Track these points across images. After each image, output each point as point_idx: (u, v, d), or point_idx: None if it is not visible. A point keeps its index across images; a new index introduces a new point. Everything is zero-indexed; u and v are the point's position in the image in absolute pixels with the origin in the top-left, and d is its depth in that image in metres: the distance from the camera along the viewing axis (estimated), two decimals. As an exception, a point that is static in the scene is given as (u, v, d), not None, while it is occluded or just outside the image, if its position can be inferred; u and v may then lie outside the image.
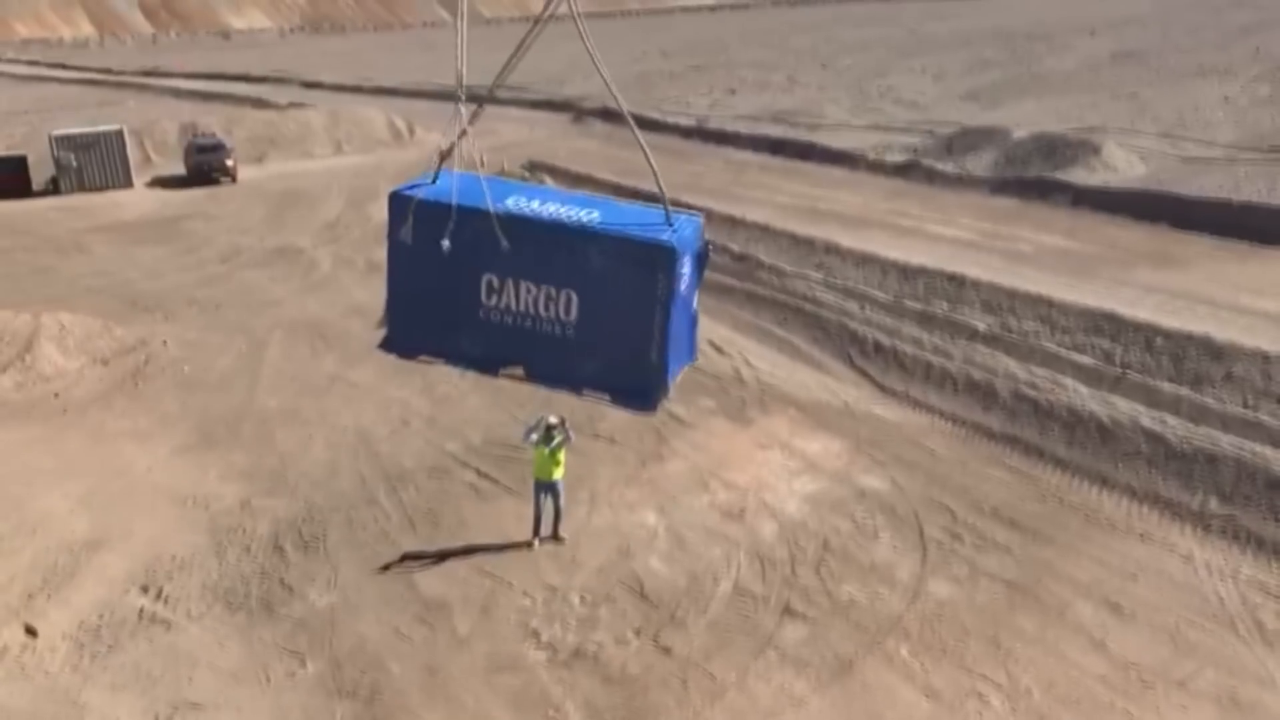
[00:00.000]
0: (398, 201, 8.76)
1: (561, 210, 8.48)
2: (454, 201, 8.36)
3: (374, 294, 29.94)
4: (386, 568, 16.06)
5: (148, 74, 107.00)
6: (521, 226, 8.43)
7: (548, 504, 16.47)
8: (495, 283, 8.52)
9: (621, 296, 8.21)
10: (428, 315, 8.83)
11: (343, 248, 35.50)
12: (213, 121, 56.62)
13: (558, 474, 16.32)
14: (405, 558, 16.30)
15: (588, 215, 8.38)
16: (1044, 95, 53.71)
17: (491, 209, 8.25)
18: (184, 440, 20.60)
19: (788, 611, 14.79)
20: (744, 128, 50.23)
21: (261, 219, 40.62)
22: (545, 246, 8.39)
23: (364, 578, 15.82)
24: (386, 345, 9.60)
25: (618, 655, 13.95)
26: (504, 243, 8.36)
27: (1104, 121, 43.80)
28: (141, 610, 15.18)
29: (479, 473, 18.88)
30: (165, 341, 25.99)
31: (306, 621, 14.86)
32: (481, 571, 15.85)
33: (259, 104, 70.60)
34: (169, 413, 21.94)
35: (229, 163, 48.16)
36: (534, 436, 16.28)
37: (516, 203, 8.48)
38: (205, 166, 47.90)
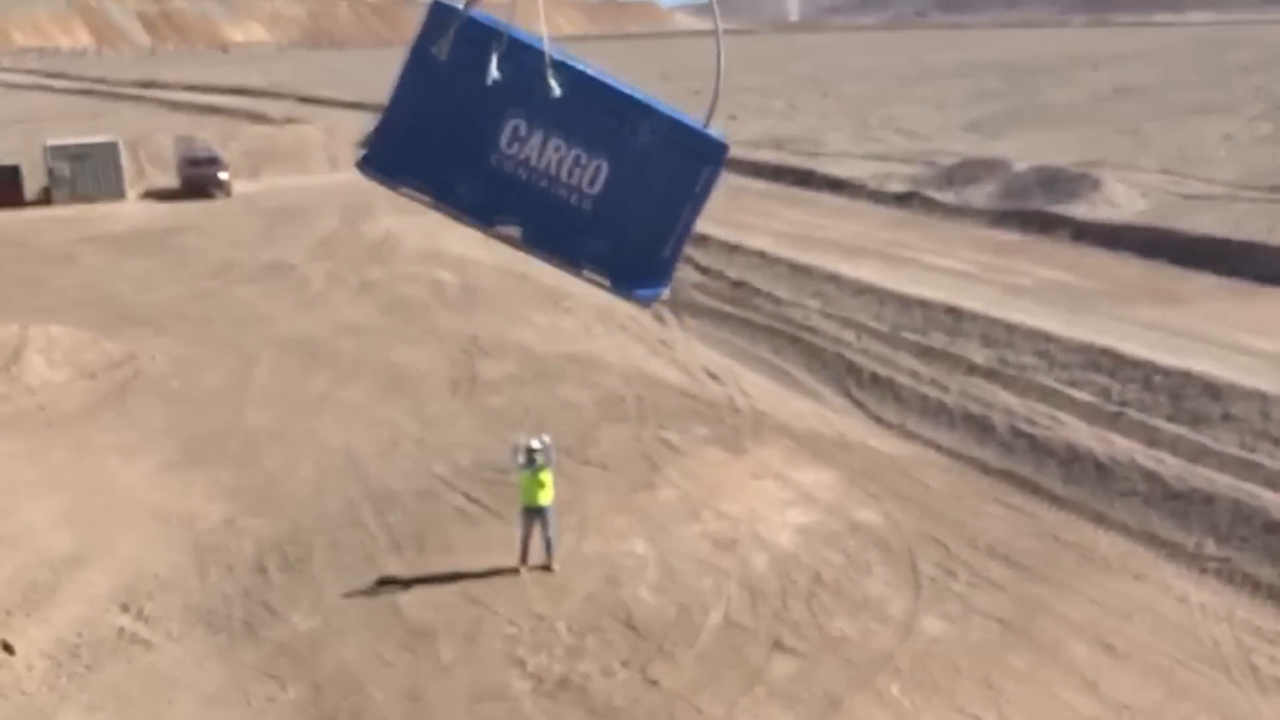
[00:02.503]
0: (440, 12, 8.07)
1: (613, 81, 8.06)
2: (507, 30, 7.80)
3: (367, 313, 30.12)
4: (371, 591, 15.97)
5: (144, 85, 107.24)
6: (573, 78, 7.92)
7: (535, 531, 16.39)
8: (523, 130, 7.95)
9: (657, 181, 7.83)
10: (430, 144, 8.15)
11: (336, 265, 35.49)
12: (208, 135, 56.72)
13: (544, 499, 16.24)
14: (390, 581, 16.21)
15: (638, 92, 8.02)
16: (1045, 128, 53.92)
17: (547, 49, 7.74)
18: (169, 457, 20.52)
19: (778, 646, 14.71)
20: (743, 153, 50.33)
21: (254, 234, 40.64)
22: (593, 107, 7.86)
23: (348, 601, 15.73)
24: (368, 162, 8.77)
25: (604, 687, 13.86)
26: (555, 89, 7.81)
27: (1105, 156, 43.96)
28: (121, 629, 15.07)
29: (467, 496, 18.81)
30: (154, 356, 25.94)
31: (288, 645, 14.76)
32: (467, 597, 15.77)
33: (255, 118, 70.74)
34: (155, 428, 21.86)
35: (223, 177, 48.20)
36: (519, 459, 16.22)
37: (564, 55, 8.03)
38: (199, 180, 47.95)
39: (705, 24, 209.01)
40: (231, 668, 14.34)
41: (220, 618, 15.40)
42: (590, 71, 8.29)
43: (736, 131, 60.13)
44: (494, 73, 7.80)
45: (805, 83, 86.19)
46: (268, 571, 16.52)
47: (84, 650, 14.64)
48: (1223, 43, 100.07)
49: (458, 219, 9.28)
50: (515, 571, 16.38)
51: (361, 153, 8.83)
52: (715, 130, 8.39)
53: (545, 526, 16.41)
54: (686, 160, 7.95)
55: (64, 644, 14.74)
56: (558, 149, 8.04)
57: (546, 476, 16.24)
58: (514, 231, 8.47)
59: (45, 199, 46.65)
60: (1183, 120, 53.34)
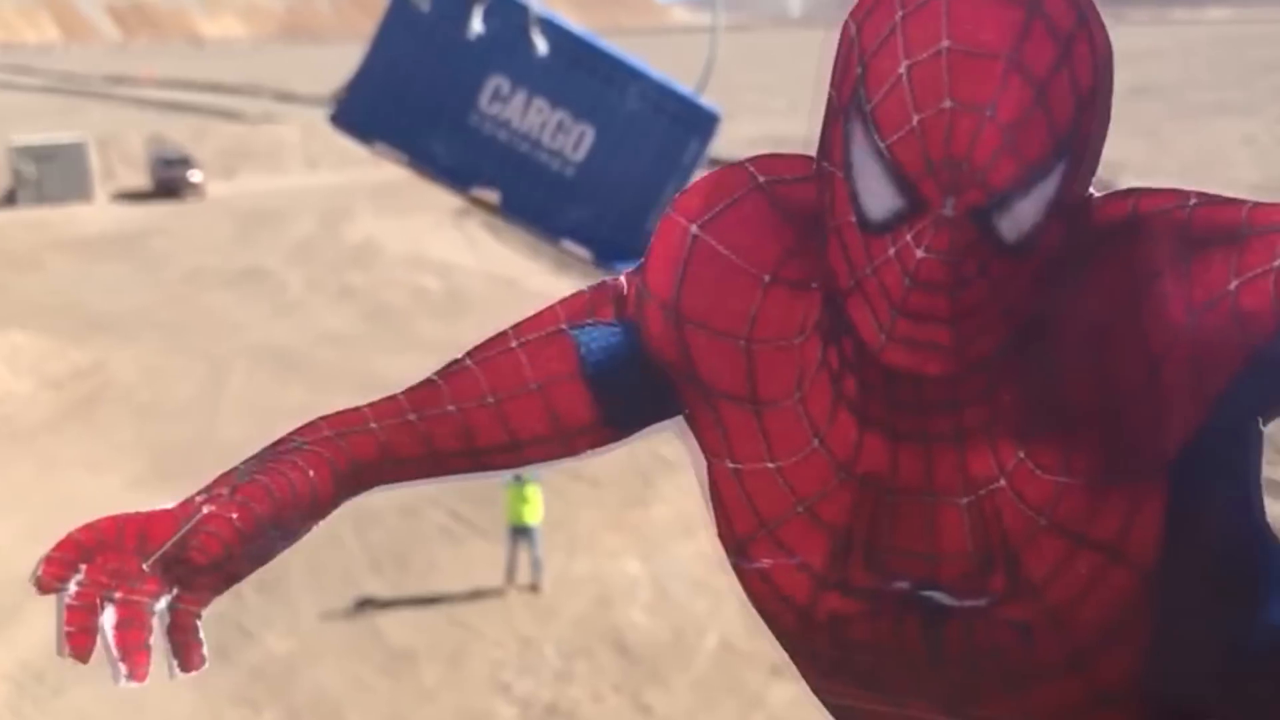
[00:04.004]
0: None
1: (603, 43, 8.01)
2: None
3: (347, 321, 30.05)
4: (350, 613, 15.97)
5: (115, 81, 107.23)
6: (560, 37, 7.83)
7: (522, 550, 16.40)
8: (505, 89, 7.83)
9: (644, 150, 7.77)
10: (406, 100, 8.03)
11: (314, 270, 35.48)
12: (180, 134, 56.72)
13: (531, 516, 16.24)
14: (370, 603, 16.21)
15: (628, 56, 7.98)
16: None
17: (532, 5, 7.71)
18: (139, 472, 20.47)
19: (777, 671, 14.70)
20: (741, 154, 50.32)
21: (228, 238, 40.61)
22: (580, 69, 7.78)
23: (326, 623, 15.72)
24: (340, 117, 8.61)
25: (594, 713, 13.86)
26: (541, 47, 7.73)
27: (1122, 159, 44.07)
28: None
29: (452, 513, 18.81)
30: (122, 366, 25.92)
31: (263, 668, 14.75)
32: (451, 619, 15.77)
33: (230, 116, 70.75)
34: (124, 442, 21.82)
35: (196, 178, 48.17)
36: (504, 476, 16.19)
37: (551, 13, 7.98)
38: (171, 181, 47.91)
39: (703, 19, 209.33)
40: (203, 692, 14.31)
41: (192, 640, 15.37)
42: (578, 32, 8.23)
43: (734, 131, 60.14)
44: (477, 27, 7.76)
45: (807, 80, 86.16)
46: (241, 591, 16.33)
47: (49, 673, 14.61)
48: (1242, 41, 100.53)
49: (434, 181, 9.17)
50: (501, 592, 16.39)
51: (334, 106, 8.75)
52: (708, 102, 8.34)
53: (532, 545, 16.41)
54: (675, 130, 7.88)
55: (28, 667, 14.72)
56: (540, 111, 7.97)
57: (533, 492, 16.24)
58: (492, 197, 8.39)
59: (10, 201, 46.61)
60: (1202, 121, 53.52)
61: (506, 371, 1.66)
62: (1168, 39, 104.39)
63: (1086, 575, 1.45)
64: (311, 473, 1.69)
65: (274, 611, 15.97)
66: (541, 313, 1.67)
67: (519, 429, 1.64)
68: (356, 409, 1.72)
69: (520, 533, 16.30)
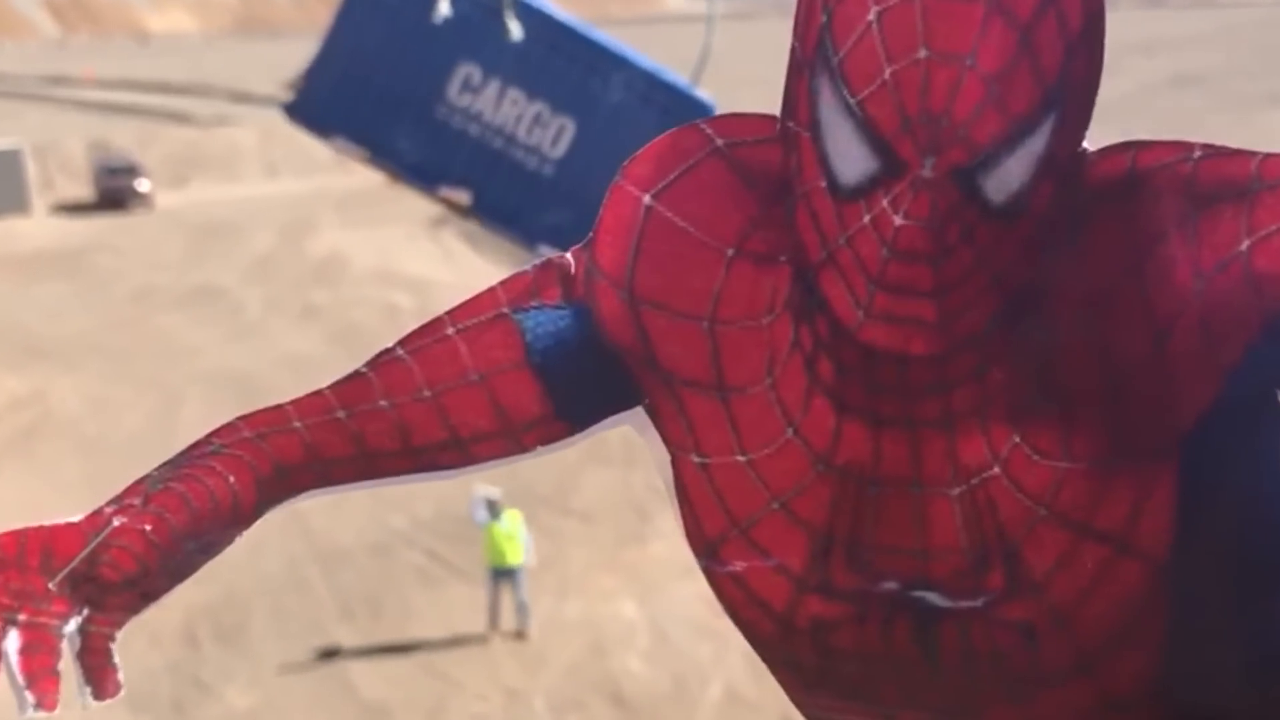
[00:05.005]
0: None
1: (585, 28, 7.90)
2: None
3: (311, 343, 30.06)
4: (318, 663, 15.99)
5: (53, 82, 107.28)
6: (537, 21, 7.68)
7: (506, 592, 16.42)
8: (476, 79, 7.65)
9: (630, 145, 7.62)
10: (368, 90, 7.93)
11: (274, 288, 35.51)
12: (126, 139, 56.76)
13: (514, 556, 16.25)
14: (341, 653, 16.23)
15: (613, 43, 7.86)
16: (1094, 123, 54.19)
17: None
18: (84, 513, 20.44)
19: (787, 721, 14.74)
20: (744, 156, 50.39)
21: (180, 253, 40.63)
22: (559, 56, 7.64)
23: (291, 675, 15.74)
24: (297, 109, 8.46)
25: (588, 770, 13.90)
26: (516, 32, 7.59)
27: (1161, 155, 44.26)
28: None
29: (429, 553, 18.84)
30: (64, 396, 25.94)
31: (222, 726, 14.78)
32: (430, 670, 15.79)
33: (180, 119, 70.80)
34: (67, 480, 21.82)
35: (143, 188, 48.20)
36: (480, 514, 16.22)
37: None
38: (116, 192, 47.93)
39: (700, 7, 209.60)
40: (156, 754, 14.35)
41: (144, 696, 15.38)
42: (557, 15, 8.15)
43: (736, 130, 60.32)
44: (444, 9, 7.66)
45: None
46: (199, 642, 16.53)
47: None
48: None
49: (399, 179, 9.06)
50: (484, 640, 16.42)
51: (290, 97, 8.65)
52: (702, 93, 8.30)
53: (517, 587, 16.43)
54: (665, 123, 7.73)
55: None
56: (516, 103, 7.84)
57: (515, 527, 16.24)
58: (463, 197, 8.26)
59: (-62, 215, 46.65)
60: (1250, 113, 53.67)
61: (443, 361, 1.61)
62: (1210, 23, 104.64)
63: (1092, 569, 1.44)
64: (232, 478, 1.67)
65: (234, 663, 15.99)
66: (480, 296, 1.62)
67: (460, 425, 1.61)
68: (279, 407, 1.69)
69: (503, 574, 16.32)
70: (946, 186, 1.31)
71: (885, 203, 1.33)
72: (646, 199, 1.55)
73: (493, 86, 7.94)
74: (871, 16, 1.30)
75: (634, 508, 20.10)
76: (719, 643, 16.55)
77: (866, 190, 1.34)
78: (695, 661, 15.93)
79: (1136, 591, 1.43)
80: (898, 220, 1.32)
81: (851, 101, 1.32)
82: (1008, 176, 1.32)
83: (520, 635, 16.46)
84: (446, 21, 7.74)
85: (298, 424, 1.68)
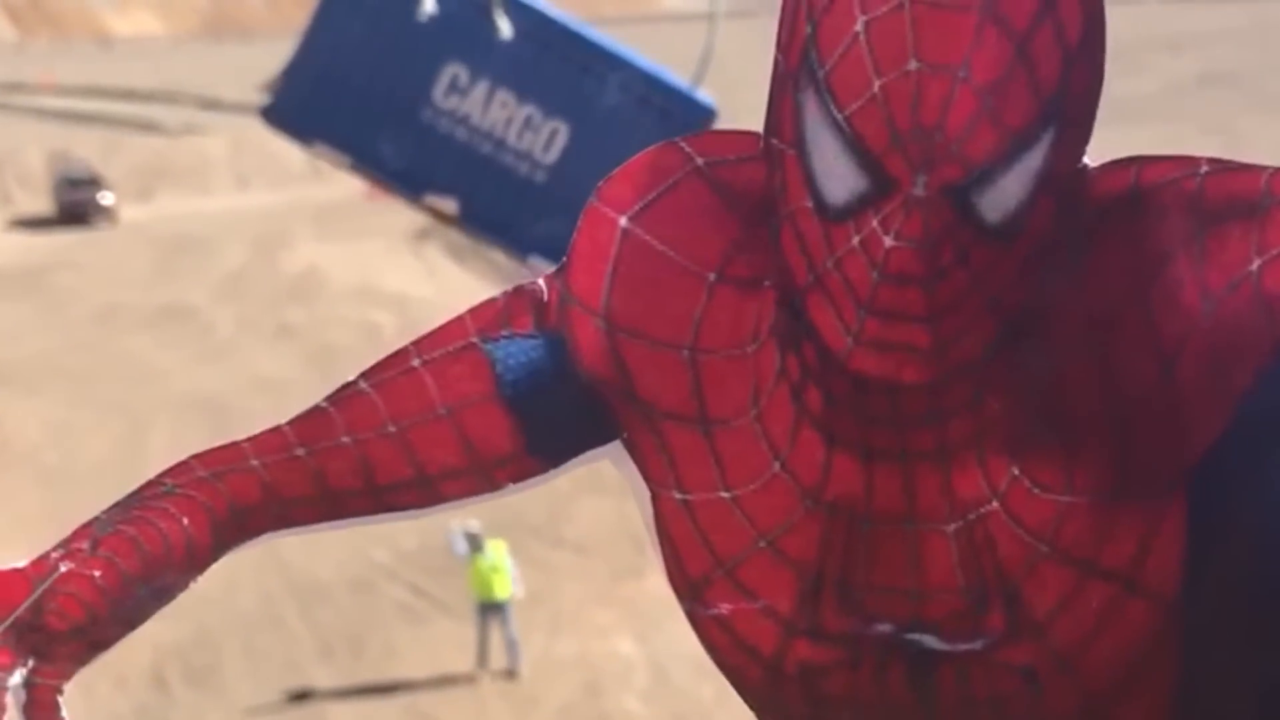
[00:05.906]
0: None
1: (579, 26, 7.93)
2: None
3: (286, 365, 30.06)
4: (295, 706, 15.99)
5: (9, 89, 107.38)
6: (528, 19, 7.68)
7: (495, 629, 16.43)
8: (463, 80, 7.60)
9: (626, 150, 7.47)
10: (349, 92, 7.86)
11: (247, 307, 35.53)
12: (88, 149, 56.81)
13: (502, 590, 16.26)
14: (319, 694, 16.23)
15: (608, 41, 7.89)
16: (1117, 125, 53.97)
17: None
18: (45, 547, 20.44)
19: (796, 764, 14.75)
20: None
21: (146, 271, 40.65)
22: (551, 55, 7.61)
23: (266, 719, 15.74)
24: (274, 113, 8.41)
25: (583, 818, 13.90)
26: (505, 29, 7.57)
27: (1189, 158, 44.33)
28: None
29: (412, 588, 18.84)
30: (23, 423, 25.95)
31: (193, 774, 14.79)
32: (414, 712, 15.79)
33: (145, 127, 70.89)
34: (27, 513, 21.81)
35: (107, 201, 48.23)
36: (460, 547, 16.23)
37: None
38: (78, 205, 47.97)
39: (695, 6, 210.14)
40: (123, 804, 14.36)
41: (109, 742, 15.40)
42: (549, 12, 8.16)
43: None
44: (430, 6, 7.66)
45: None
46: (168, 684, 16.53)
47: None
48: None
49: (381, 187, 9.03)
50: (472, 679, 16.42)
51: (266, 100, 8.67)
52: (703, 95, 8.32)
53: (505, 623, 16.43)
54: (663, 126, 7.70)
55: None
56: (505, 105, 7.84)
57: (500, 558, 16.24)
58: (449, 206, 8.26)
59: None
60: (1282, 114, 53.76)
61: (408, 395, 1.59)
62: (1242, 17, 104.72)
63: (1097, 609, 1.42)
64: (185, 520, 1.63)
65: (205, 705, 15.99)
66: (448, 325, 1.59)
67: (427, 462, 1.59)
68: (235, 444, 1.65)
69: (491, 609, 16.32)
70: (939, 205, 1.30)
71: (875, 223, 1.32)
72: (623, 221, 1.54)
73: (481, 88, 7.88)
74: (859, 27, 1.29)
75: (630, 538, 20.09)
76: (721, 682, 16.44)
77: (855, 210, 1.33)
78: (697, 701, 15.93)
79: (1144, 632, 1.43)
80: (888, 241, 1.31)
81: (839, 116, 1.32)
82: (1004, 194, 1.31)
83: (511, 674, 16.47)
84: (432, 19, 7.70)
85: (255, 462, 1.64)
